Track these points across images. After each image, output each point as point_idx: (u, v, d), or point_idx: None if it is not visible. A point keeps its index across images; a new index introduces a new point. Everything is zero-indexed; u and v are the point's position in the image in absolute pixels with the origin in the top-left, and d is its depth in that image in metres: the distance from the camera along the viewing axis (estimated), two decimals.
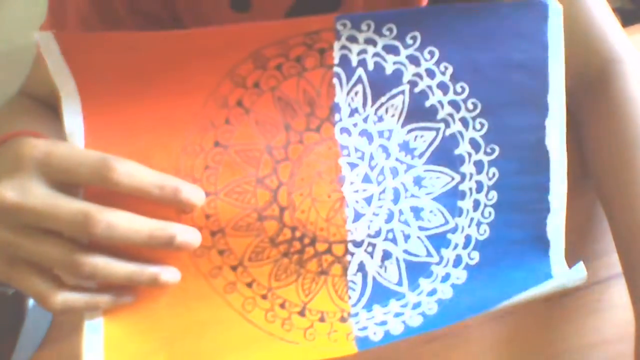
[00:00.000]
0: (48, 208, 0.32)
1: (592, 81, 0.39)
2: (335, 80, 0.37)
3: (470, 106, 0.39)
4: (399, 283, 0.40)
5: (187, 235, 0.34)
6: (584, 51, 0.37)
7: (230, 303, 0.38)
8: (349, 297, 0.40)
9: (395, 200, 0.39)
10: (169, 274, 0.35)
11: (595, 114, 0.39)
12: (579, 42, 0.36)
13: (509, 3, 0.38)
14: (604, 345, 0.46)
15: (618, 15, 0.45)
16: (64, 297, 0.34)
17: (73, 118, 0.34)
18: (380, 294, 0.40)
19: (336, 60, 0.37)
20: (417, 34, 0.37)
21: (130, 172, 0.32)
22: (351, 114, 0.38)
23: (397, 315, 0.40)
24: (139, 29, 0.49)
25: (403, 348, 0.42)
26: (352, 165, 0.38)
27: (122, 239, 0.33)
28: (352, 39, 0.37)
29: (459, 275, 0.41)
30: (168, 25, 0.52)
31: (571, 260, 0.40)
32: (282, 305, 0.39)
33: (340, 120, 0.38)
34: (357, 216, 0.39)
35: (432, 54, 0.38)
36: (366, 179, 0.39)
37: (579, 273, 0.39)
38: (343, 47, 0.37)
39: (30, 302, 0.51)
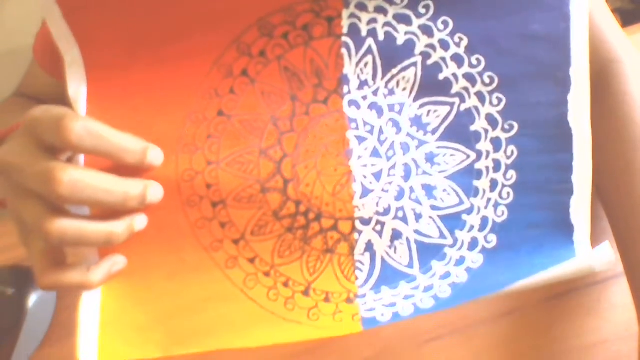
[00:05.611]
0: (19, 164, 0.31)
1: (591, 81, 0.38)
2: (343, 51, 0.36)
3: (487, 80, 0.37)
4: (410, 265, 0.38)
5: (156, 192, 0.34)
6: None
7: (232, 278, 0.37)
8: (356, 278, 0.38)
9: (406, 177, 0.38)
10: (140, 222, 0.34)
11: (595, 114, 0.39)
12: None
13: None
14: (604, 345, 0.46)
15: (618, 16, 0.45)
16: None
17: (77, 84, 0.34)
18: (390, 276, 0.38)
19: (345, 30, 0.36)
20: (430, 2, 0.36)
21: (85, 131, 0.30)
22: (360, 87, 0.37)
23: (407, 297, 0.38)
24: None
25: (404, 347, 0.41)
26: (360, 139, 0.37)
27: (92, 200, 0.31)
28: (362, 7, 0.36)
29: (475, 259, 0.38)
30: None
31: None
32: (285, 284, 0.37)
33: (349, 92, 0.37)
34: (365, 192, 0.37)
35: (446, 24, 0.36)
36: (375, 154, 0.37)
37: (605, 255, 0.36)
38: (352, 15, 0.36)
39: (31, 302, 0.50)
